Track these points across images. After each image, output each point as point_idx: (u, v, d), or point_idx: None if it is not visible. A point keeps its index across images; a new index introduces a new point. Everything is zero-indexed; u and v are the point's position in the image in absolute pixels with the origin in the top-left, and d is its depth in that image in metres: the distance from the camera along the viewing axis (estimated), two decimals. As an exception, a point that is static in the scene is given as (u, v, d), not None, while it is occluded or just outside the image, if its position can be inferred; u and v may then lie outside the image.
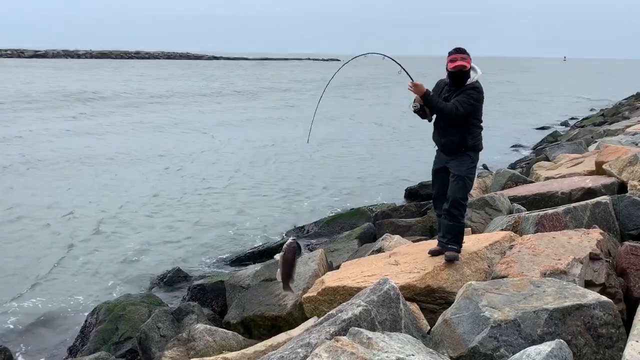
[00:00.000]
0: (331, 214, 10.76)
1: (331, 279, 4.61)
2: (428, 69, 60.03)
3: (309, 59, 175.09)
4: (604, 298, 3.27)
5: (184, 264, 8.54)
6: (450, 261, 4.29)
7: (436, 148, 4.68)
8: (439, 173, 4.64)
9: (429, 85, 4.59)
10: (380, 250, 5.59)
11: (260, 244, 9.21)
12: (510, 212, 6.90)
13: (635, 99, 29.66)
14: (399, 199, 12.31)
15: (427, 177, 13.42)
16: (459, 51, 4.38)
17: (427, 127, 4.87)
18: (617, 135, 11.96)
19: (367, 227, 8.61)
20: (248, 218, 11.02)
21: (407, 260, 4.61)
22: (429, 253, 4.55)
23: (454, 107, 4.30)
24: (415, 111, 4.55)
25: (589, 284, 4.25)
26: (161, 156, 17.02)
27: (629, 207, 5.85)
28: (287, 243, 4.08)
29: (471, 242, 4.89)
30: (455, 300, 3.50)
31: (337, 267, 5.47)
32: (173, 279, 7.83)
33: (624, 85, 53.29)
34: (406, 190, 12.55)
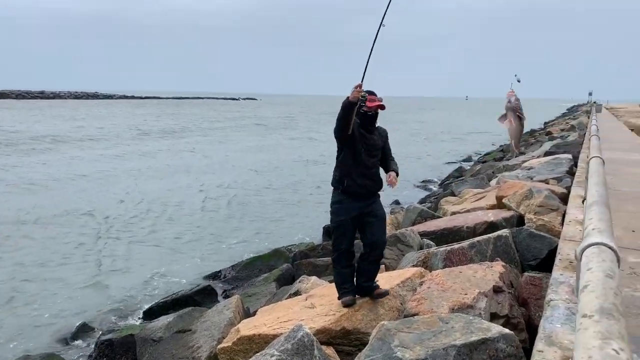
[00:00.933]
0: (249, 256, 10.62)
1: (246, 327, 4.50)
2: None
3: (225, 98, 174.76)
4: (507, 330, 3.44)
5: (90, 316, 8.02)
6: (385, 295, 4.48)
7: (343, 196, 4.32)
8: (352, 222, 4.33)
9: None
10: (297, 293, 5.56)
11: (174, 292, 8.87)
12: (421, 247, 7.15)
13: (529, 135, 32.14)
14: (318, 238, 12.41)
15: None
16: (372, 93, 4.35)
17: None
18: (515, 169, 12.85)
19: (285, 269, 8.57)
20: (162, 264, 10.60)
21: (323, 303, 4.61)
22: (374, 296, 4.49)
23: (396, 166, 4.63)
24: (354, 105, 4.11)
25: (494, 316, 4.47)
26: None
27: (527, 239, 6.26)
28: None
29: (384, 279, 4.99)
30: (369, 342, 3.54)
31: (254, 314, 5.36)
32: (78, 334, 7.33)
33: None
34: (324, 228, 12.68)
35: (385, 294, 4.46)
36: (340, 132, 4.19)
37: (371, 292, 4.47)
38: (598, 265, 1.91)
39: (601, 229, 2.42)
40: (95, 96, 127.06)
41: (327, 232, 12.47)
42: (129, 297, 8.95)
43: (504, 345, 3.34)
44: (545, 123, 49.47)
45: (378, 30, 4.19)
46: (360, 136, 4.31)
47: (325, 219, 13.64)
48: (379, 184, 4.47)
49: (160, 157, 27.13)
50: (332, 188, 4.47)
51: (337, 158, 4.42)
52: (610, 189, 8.34)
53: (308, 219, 14.71)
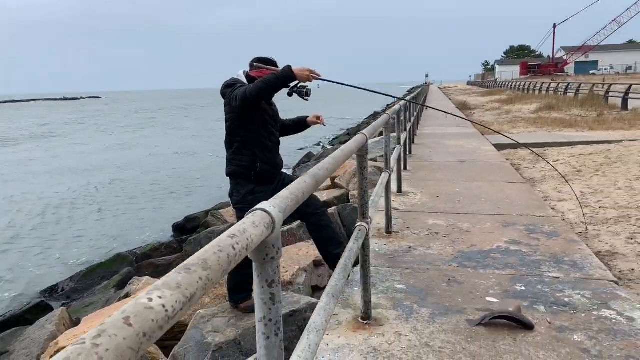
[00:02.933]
0: (90, 265, 10.00)
1: (66, 338, 4.28)
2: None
3: (65, 98, 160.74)
4: (314, 300, 3.69)
5: None
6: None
7: (256, 184, 3.64)
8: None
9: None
10: (127, 296, 5.40)
11: (2, 313, 8.08)
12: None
13: (372, 118, 34.20)
14: (167, 236, 12.07)
15: (192, 210, 13.54)
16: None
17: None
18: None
19: (126, 273, 8.22)
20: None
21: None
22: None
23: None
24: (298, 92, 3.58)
25: (315, 289, 4.76)
26: None
27: (351, 214, 6.73)
28: None
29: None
30: (185, 333, 3.58)
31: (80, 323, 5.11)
32: None
33: (372, 107, 60.93)
34: (173, 226, 12.37)
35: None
36: (258, 99, 3.37)
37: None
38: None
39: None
40: None
41: (176, 229, 12.20)
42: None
43: (311, 314, 3.58)
44: (388, 105, 52.87)
45: None
46: (267, 107, 3.67)
47: (175, 215, 13.33)
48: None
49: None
50: (231, 177, 3.66)
51: (232, 139, 3.62)
52: (427, 160, 9.25)
53: (157, 216, 14.22)
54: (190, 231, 11.28)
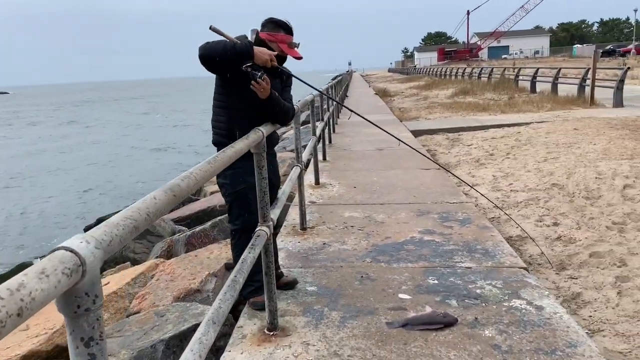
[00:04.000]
0: (-11, 277, 9.15)
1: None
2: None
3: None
4: (220, 310, 3.41)
5: None
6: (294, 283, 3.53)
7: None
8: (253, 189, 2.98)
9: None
10: (19, 315, 4.87)
11: None
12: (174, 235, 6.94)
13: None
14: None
15: (103, 210, 12.75)
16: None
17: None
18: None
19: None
20: None
21: (39, 321, 4.09)
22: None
23: (292, 108, 3.27)
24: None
25: (227, 294, 4.47)
26: None
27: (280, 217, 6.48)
28: None
29: (117, 279, 4.65)
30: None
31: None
32: None
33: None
34: (84, 230, 11.60)
35: (295, 282, 3.51)
36: (204, 61, 2.81)
37: (278, 280, 3.35)
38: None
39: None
40: None
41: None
42: None
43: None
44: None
45: None
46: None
47: (91, 215, 12.51)
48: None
49: None
50: (216, 148, 3.10)
51: (213, 101, 3.15)
52: (346, 149, 9.15)
53: (71, 218, 13.31)
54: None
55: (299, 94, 5.67)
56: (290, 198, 6.44)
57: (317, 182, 6.47)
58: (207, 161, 1.81)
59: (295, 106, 3.29)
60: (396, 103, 21.83)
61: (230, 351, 2.74)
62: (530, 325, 2.87)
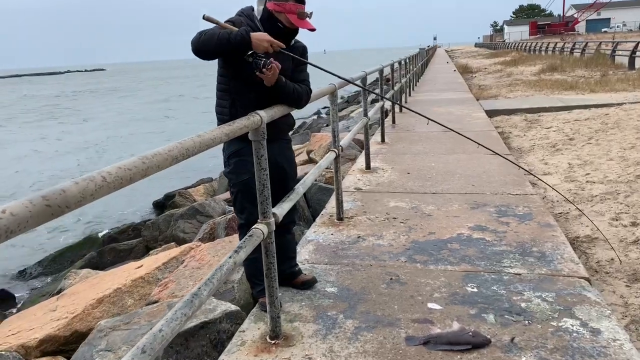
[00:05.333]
0: (59, 248, 9.59)
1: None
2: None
3: (68, 71, 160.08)
4: (233, 308, 3.17)
5: None
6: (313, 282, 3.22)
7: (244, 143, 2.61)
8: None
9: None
10: (60, 292, 4.93)
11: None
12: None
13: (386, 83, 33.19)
14: (148, 215, 11.61)
15: (171, 186, 13.02)
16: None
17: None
18: (341, 121, 12.98)
19: (89, 258, 7.79)
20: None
21: (67, 304, 4.06)
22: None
23: (305, 91, 2.87)
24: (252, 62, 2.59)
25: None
26: None
27: (317, 194, 6.17)
28: None
29: (149, 262, 4.56)
30: (77, 350, 3.09)
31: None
32: None
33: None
34: (153, 204, 11.91)
35: (313, 281, 3.21)
36: (198, 52, 2.55)
37: (295, 278, 3.18)
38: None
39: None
40: None
41: (156, 207, 11.75)
42: None
43: (227, 326, 3.07)
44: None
45: None
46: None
47: (156, 192, 12.84)
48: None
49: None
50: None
51: (217, 83, 2.87)
52: (409, 131, 8.63)
53: (140, 193, 13.75)
54: (171, 209, 10.82)
55: (350, 72, 5.24)
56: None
57: (367, 166, 6.06)
58: (180, 142, 1.50)
59: (309, 89, 2.88)
60: (477, 80, 20.63)
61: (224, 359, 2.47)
62: (579, 353, 2.37)
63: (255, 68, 2.56)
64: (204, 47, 2.51)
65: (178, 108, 34.67)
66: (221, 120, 2.78)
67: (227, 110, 2.74)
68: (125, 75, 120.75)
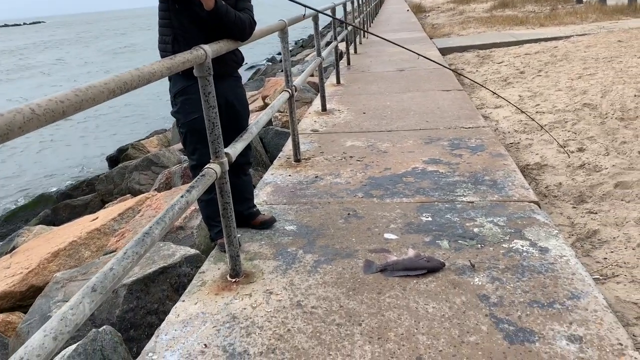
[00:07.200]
0: (11, 209, 9.28)
1: None
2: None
3: (5, 25, 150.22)
4: (192, 252, 3.15)
5: None
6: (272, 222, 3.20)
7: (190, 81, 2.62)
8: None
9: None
10: (14, 249, 4.79)
11: None
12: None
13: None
14: (103, 170, 11.31)
15: (124, 141, 12.67)
16: None
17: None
18: (295, 65, 12.73)
19: (43, 216, 7.57)
20: None
21: (20, 260, 3.96)
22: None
23: (248, 20, 2.70)
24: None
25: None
26: None
27: (274, 138, 6.11)
28: None
29: (105, 214, 4.46)
30: (34, 303, 3.03)
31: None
32: None
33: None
34: (106, 159, 11.59)
35: (272, 220, 3.19)
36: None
37: (253, 219, 3.15)
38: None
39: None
40: None
41: (110, 161, 11.43)
42: None
43: (188, 269, 3.06)
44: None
45: None
46: None
47: (109, 148, 12.47)
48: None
49: None
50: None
51: (158, 20, 2.69)
52: (364, 71, 8.56)
53: (94, 148, 13.34)
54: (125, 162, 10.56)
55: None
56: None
57: (323, 108, 6.01)
58: (103, 81, 1.42)
59: (253, 19, 2.77)
60: (430, 19, 20.51)
61: (184, 301, 2.47)
62: (529, 271, 2.48)
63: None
64: None
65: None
66: (164, 57, 2.66)
67: (170, 46, 2.62)
68: (71, 27, 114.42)
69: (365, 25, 15.36)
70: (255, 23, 2.80)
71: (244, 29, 2.66)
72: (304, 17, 4.11)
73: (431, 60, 4.70)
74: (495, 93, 4.77)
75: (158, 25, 2.68)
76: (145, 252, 1.66)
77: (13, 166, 12.47)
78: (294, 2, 3.37)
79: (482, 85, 5.06)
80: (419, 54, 4.66)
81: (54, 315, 1.29)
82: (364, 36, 13.93)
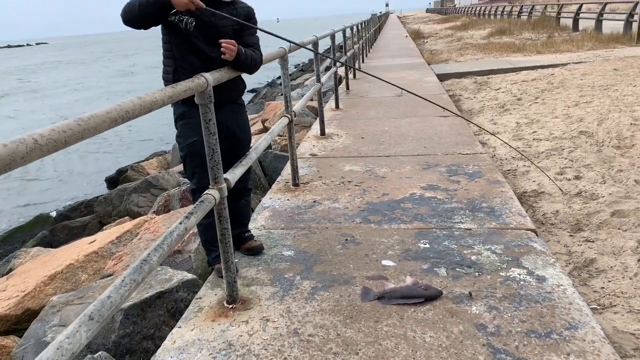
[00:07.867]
0: (8, 229, 9.25)
1: None
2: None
3: (9, 46, 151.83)
4: (189, 276, 3.14)
5: None
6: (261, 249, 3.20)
7: (190, 106, 2.67)
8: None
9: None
10: (10, 271, 4.77)
11: None
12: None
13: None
14: (100, 192, 11.32)
15: (124, 162, 12.71)
16: None
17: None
18: (295, 89, 12.85)
19: (40, 237, 7.55)
20: None
21: (16, 282, 3.94)
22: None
23: (259, 58, 2.82)
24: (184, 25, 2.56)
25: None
26: None
27: (273, 162, 6.14)
28: None
29: (103, 237, 4.46)
30: (29, 327, 3.01)
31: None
32: None
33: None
34: (105, 180, 11.60)
35: (260, 248, 3.17)
36: (125, 19, 2.51)
37: (243, 243, 3.16)
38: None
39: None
40: None
41: (109, 182, 11.44)
42: None
43: (184, 294, 3.05)
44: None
45: None
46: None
47: (109, 169, 12.50)
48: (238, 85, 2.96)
49: None
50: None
51: (163, 45, 2.77)
52: (363, 96, 8.64)
53: (93, 169, 13.35)
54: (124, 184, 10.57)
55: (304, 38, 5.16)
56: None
57: (322, 132, 6.05)
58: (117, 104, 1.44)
59: (261, 56, 2.85)
60: (428, 45, 20.78)
61: (180, 327, 2.46)
62: (526, 300, 2.48)
63: (183, 28, 2.55)
64: (130, 15, 2.50)
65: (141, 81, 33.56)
66: (165, 82, 2.72)
67: (171, 76, 2.67)
68: (74, 49, 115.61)
69: (365, 51, 15.56)
70: (262, 58, 2.87)
71: (254, 67, 2.74)
72: (287, 51, 4.10)
73: (418, 95, 4.75)
74: (482, 128, 4.82)
75: (162, 57, 2.74)
76: (143, 279, 1.67)
77: (11, 186, 12.47)
78: (278, 37, 3.34)
79: (468, 120, 5.11)
80: (402, 89, 4.68)
81: (50, 344, 1.29)
82: (362, 61, 14.09)
